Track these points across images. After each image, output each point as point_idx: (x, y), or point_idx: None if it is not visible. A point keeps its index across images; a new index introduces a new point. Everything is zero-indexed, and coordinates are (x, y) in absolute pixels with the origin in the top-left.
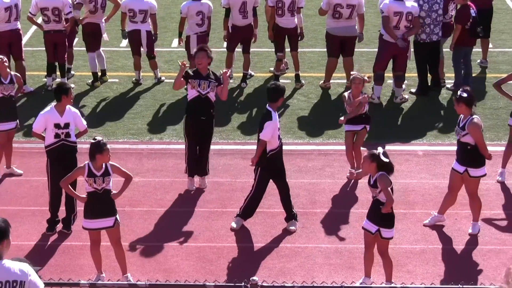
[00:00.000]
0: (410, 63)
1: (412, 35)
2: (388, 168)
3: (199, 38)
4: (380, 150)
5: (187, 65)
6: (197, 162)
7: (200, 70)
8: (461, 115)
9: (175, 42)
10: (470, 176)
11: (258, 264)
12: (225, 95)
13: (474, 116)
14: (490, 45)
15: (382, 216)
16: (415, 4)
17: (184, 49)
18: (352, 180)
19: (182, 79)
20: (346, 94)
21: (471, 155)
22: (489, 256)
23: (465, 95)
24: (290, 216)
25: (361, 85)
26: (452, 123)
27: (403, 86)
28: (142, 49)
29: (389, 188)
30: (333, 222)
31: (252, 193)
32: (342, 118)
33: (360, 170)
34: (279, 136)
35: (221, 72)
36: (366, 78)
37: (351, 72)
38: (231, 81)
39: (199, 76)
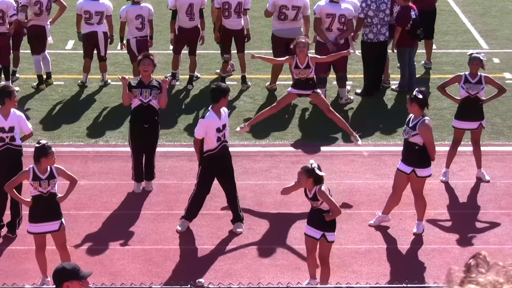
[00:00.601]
0: (355, 64)
1: (346, 37)
2: (322, 180)
3: (139, 42)
4: (314, 164)
5: (127, 77)
6: (144, 168)
7: (143, 78)
8: (411, 114)
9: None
10: (418, 176)
11: (204, 266)
12: (163, 103)
13: (425, 118)
14: (434, 46)
15: (325, 221)
16: (350, 7)
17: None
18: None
19: (128, 92)
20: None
21: (419, 156)
22: (433, 255)
23: (420, 96)
24: (237, 217)
25: (306, 49)
26: (397, 124)
27: (348, 87)
28: (95, 51)
29: (331, 198)
30: (279, 223)
31: (193, 192)
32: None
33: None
34: (219, 137)
35: (162, 80)
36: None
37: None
38: (177, 83)
39: (141, 85)
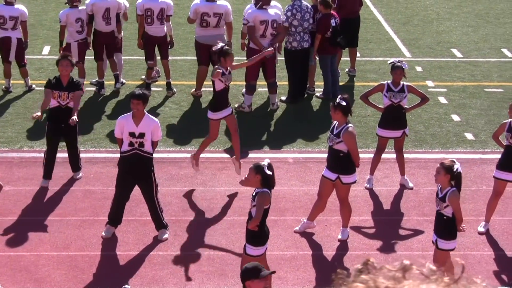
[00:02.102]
0: (279, 72)
1: (279, 42)
2: (271, 183)
3: (80, 45)
4: (265, 162)
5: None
6: (69, 161)
7: (62, 77)
8: (335, 122)
9: (46, 49)
10: (343, 183)
11: (130, 272)
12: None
13: (349, 125)
14: (358, 54)
15: (248, 232)
16: (278, 11)
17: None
18: (225, 187)
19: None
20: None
21: (343, 163)
22: (358, 261)
23: (343, 103)
24: (160, 225)
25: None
26: (322, 131)
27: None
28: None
29: (263, 207)
30: (205, 230)
31: (113, 196)
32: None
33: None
34: (131, 142)
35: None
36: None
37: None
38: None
39: (60, 87)
